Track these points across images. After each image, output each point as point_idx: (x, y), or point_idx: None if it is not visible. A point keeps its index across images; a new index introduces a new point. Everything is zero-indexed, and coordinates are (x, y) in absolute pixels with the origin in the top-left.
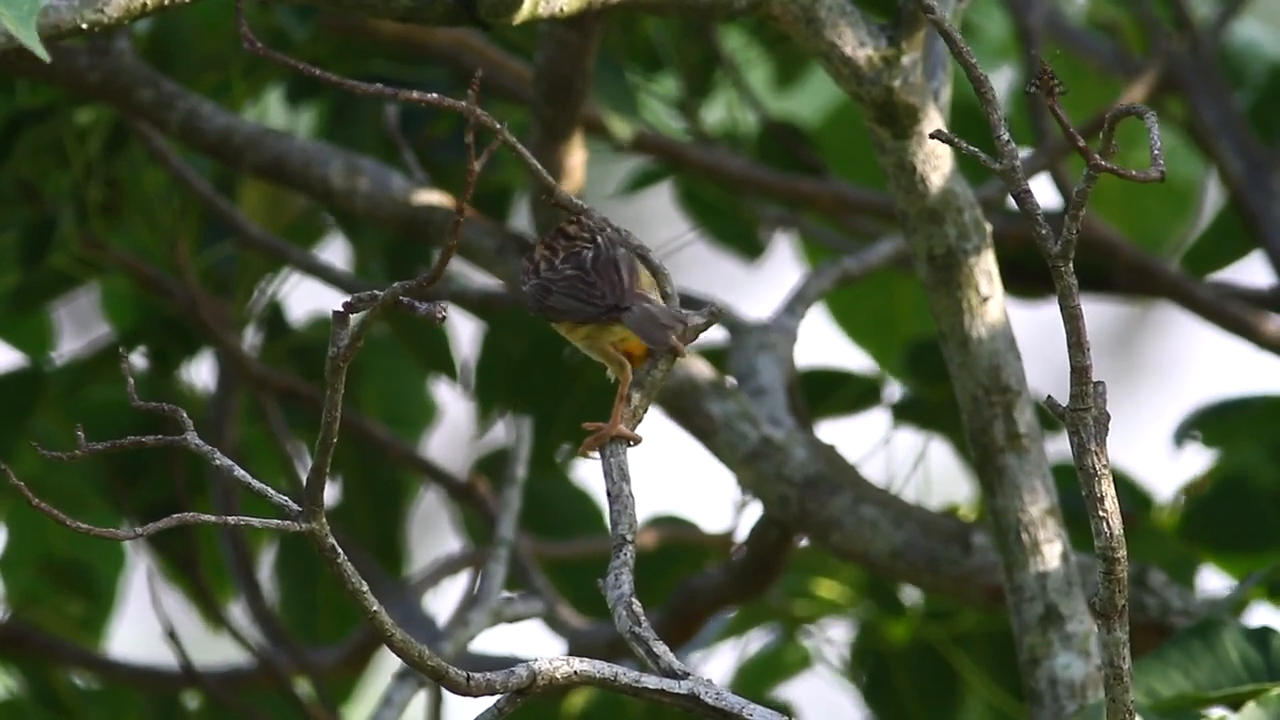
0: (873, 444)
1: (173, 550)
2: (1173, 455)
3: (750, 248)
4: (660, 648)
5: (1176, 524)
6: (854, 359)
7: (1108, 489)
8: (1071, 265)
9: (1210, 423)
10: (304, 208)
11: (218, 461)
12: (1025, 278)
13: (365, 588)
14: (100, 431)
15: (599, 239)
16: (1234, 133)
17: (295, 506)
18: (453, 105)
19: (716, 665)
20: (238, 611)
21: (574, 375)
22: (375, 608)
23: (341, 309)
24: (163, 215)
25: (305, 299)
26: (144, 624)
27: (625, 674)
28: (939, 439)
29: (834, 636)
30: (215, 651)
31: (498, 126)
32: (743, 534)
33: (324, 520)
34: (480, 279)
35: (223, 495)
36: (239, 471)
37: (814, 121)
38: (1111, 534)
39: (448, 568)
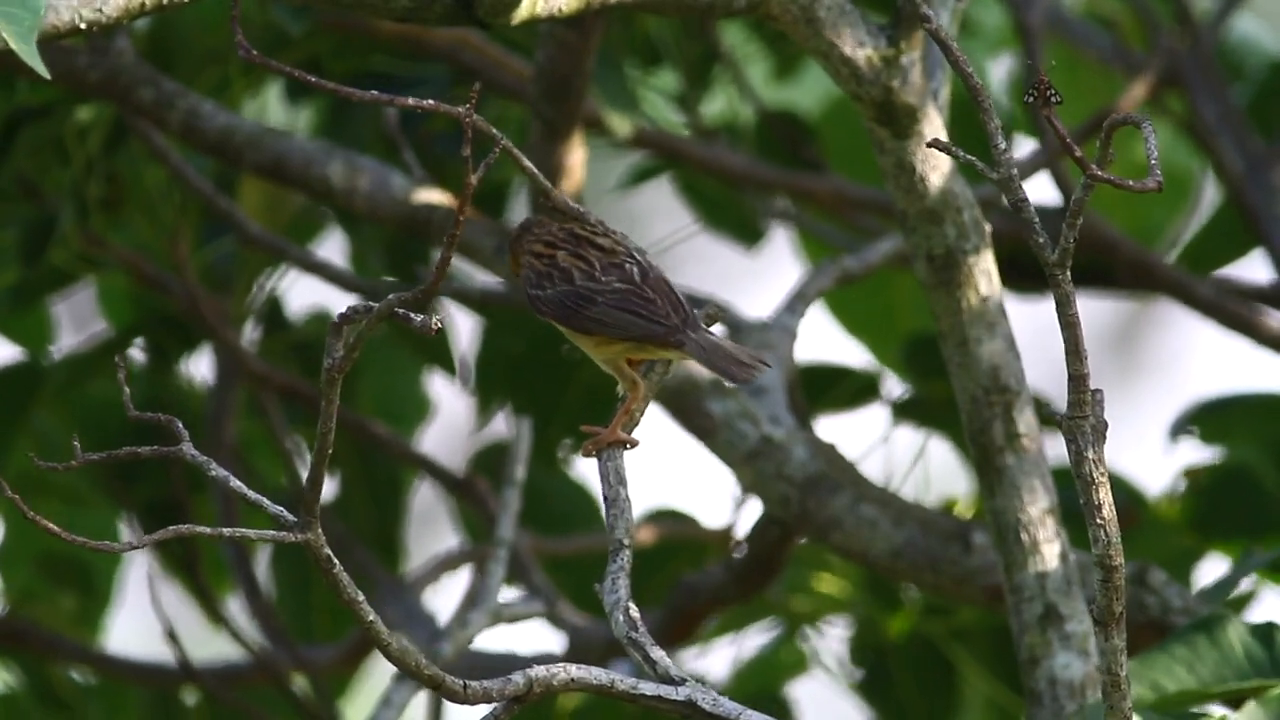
0: (872, 441)
1: (173, 551)
2: (1169, 450)
3: (749, 235)
4: (657, 653)
5: (1176, 515)
6: (853, 353)
7: (1105, 497)
8: (1069, 273)
9: (1207, 418)
10: (303, 204)
11: (213, 472)
12: (1024, 274)
13: (361, 598)
14: (99, 427)
15: (637, 255)
16: (1234, 129)
17: (291, 517)
18: (450, 111)
19: (715, 662)
20: (236, 607)
21: (573, 371)
22: (371, 617)
23: (337, 320)
24: (163, 212)
25: (305, 292)
26: (141, 616)
27: (622, 680)
28: (938, 436)
29: (833, 634)
30: (212, 646)
31: (495, 134)
32: (742, 530)
33: (319, 531)
34: (482, 278)
35: (223, 494)
36: (234, 482)
37: (814, 112)
38: (1109, 541)
39: (447, 564)
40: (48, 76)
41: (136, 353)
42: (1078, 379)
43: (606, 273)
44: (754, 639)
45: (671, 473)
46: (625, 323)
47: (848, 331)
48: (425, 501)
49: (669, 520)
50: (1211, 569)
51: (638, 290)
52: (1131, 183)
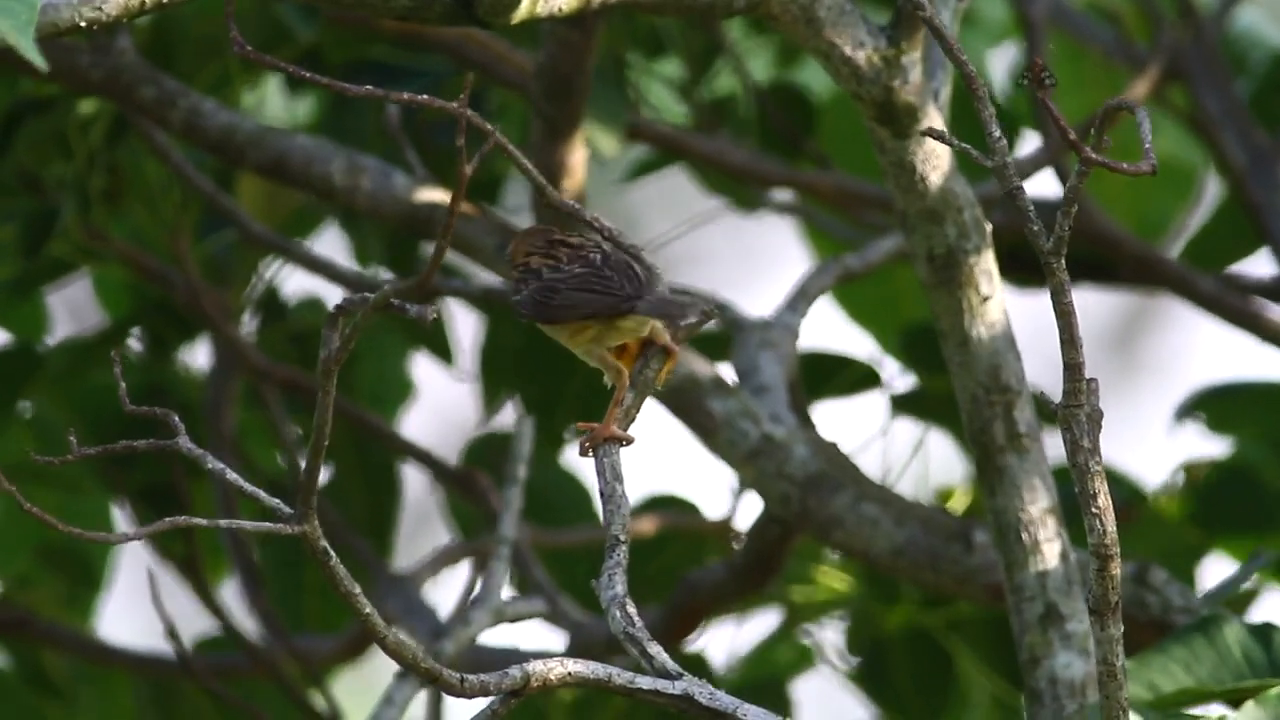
0: (871, 433)
1: (168, 542)
2: (1173, 434)
3: (750, 203)
4: (654, 648)
5: (1178, 510)
6: (856, 341)
7: (1100, 486)
8: (1064, 262)
9: (1213, 404)
10: (302, 197)
11: (210, 466)
12: (1024, 268)
13: (358, 590)
14: (97, 414)
15: (605, 245)
16: (1237, 123)
17: (287, 509)
18: (445, 107)
19: (714, 650)
20: (230, 592)
21: (576, 360)
22: (368, 610)
23: (333, 312)
24: (164, 206)
25: (301, 278)
26: (132, 598)
27: (620, 675)
28: (938, 429)
29: (832, 626)
30: (206, 623)
31: (490, 128)
32: (741, 522)
33: (316, 523)
34: (484, 276)
35: (220, 482)
36: (231, 475)
37: (822, 96)
38: (1104, 531)
39: (447, 558)
40: (46, 69)
41: (134, 341)
42: (1073, 368)
43: (571, 263)
44: (753, 628)
45: (671, 461)
46: (584, 301)
47: (852, 320)
48: (421, 496)
49: (668, 508)
50: (1214, 564)
51: (596, 271)
52: (1126, 165)
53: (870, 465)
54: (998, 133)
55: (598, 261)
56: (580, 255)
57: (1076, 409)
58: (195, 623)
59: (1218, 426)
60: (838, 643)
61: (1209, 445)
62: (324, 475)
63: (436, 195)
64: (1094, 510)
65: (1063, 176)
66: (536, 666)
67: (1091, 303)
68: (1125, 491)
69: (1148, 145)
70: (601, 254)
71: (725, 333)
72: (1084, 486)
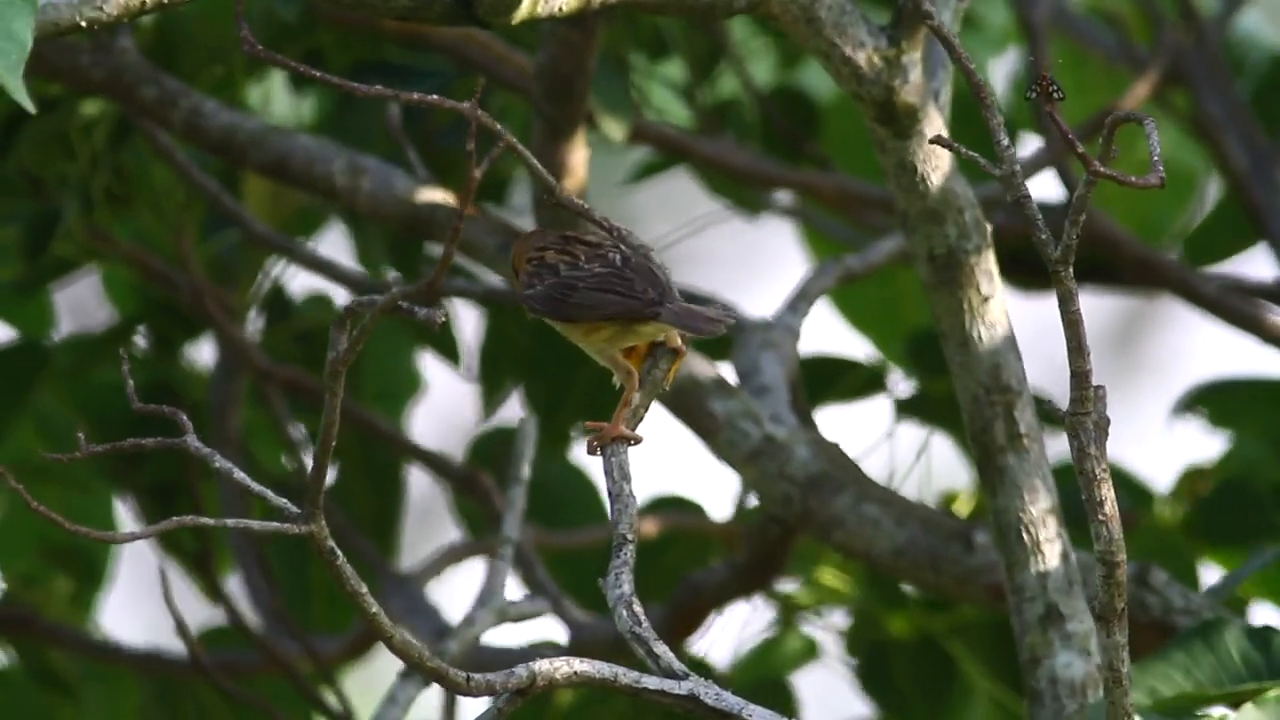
0: (876, 437)
1: (177, 539)
2: (1172, 431)
3: (753, 206)
4: (660, 648)
5: (1178, 520)
6: (859, 348)
7: (1107, 493)
8: (1071, 270)
9: (1213, 400)
10: (307, 198)
11: (218, 465)
12: (1027, 270)
13: (364, 589)
14: (102, 411)
15: (622, 247)
16: (1238, 125)
17: (294, 509)
18: (455, 107)
19: (716, 650)
20: (235, 586)
21: (583, 358)
22: (375, 609)
23: (341, 315)
24: (168, 206)
25: (307, 276)
26: (132, 594)
27: (625, 674)
28: (941, 433)
29: (838, 625)
30: (211, 619)
31: (500, 131)
32: (745, 524)
33: (323, 523)
34: (486, 276)
35: (228, 481)
36: (239, 474)
37: (826, 97)
38: (1111, 538)
39: (451, 557)
40: (33, 110)
41: (139, 339)
42: (1080, 376)
43: (590, 262)
44: (756, 625)
45: (675, 462)
46: (604, 302)
47: (853, 326)
48: (424, 495)
49: (673, 508)
50: (1209, 572)
51: (617, 272)
52: (1134, 179)
53: (875, 470)
54: (1006, 141)
55: (618, 262)
56: (599, 254)
57: (1084, 416)
58: (201, 619)
59: (1218, 422)
60: (838, 638)
61: (1209, 442)
62: (329, 475)
63: (438, 196)
64: (1101, 517)
65: (1064, 177)
66: (542, 666)
67: (1092, 304)
68: (1130, 496)
69: (1156, 158)
70: (621, 254)
71: (726, 333)
72: (1091, 494)
